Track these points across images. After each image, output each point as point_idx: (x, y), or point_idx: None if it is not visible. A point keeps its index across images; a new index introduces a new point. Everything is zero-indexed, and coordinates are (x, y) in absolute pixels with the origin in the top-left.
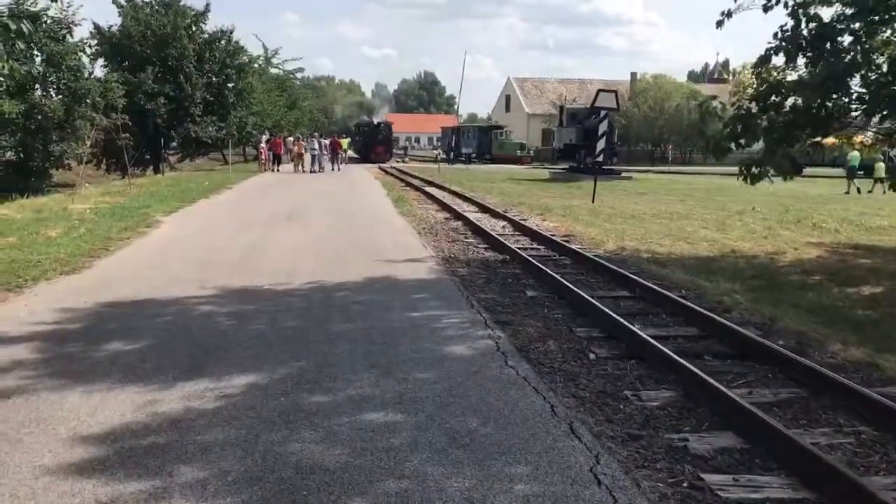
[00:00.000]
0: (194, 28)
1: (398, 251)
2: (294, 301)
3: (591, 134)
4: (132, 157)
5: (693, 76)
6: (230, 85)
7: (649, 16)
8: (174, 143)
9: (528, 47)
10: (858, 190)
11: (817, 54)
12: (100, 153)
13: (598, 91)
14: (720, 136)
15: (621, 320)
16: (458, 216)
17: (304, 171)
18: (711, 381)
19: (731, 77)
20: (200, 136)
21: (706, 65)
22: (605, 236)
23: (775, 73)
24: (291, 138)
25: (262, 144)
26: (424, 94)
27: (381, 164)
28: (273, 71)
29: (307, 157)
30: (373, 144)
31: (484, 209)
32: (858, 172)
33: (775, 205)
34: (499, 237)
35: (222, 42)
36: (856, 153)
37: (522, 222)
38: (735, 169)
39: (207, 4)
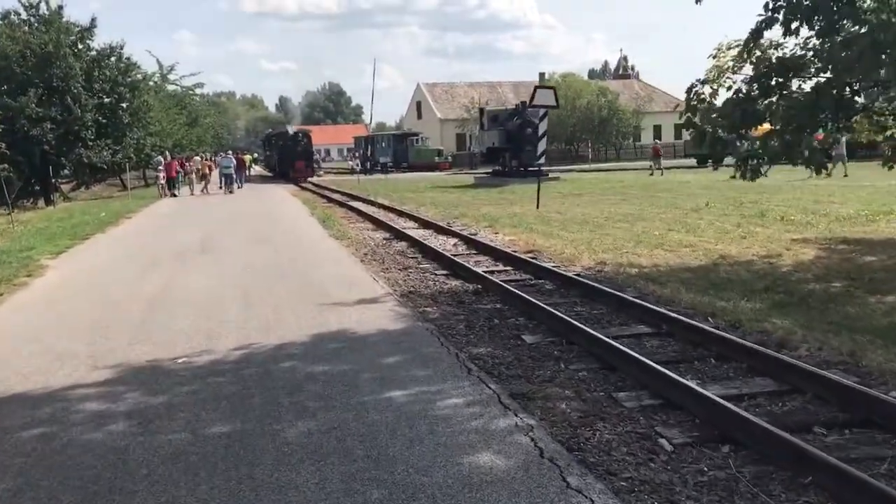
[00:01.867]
0: (80, 45)
1: (344, 288)
2: (221, 383)
3: (514, 136)
4: (14, 190)
5: (594, 75)
6: (124, 105)
7: (545, 18)
8: (66, 171)
9: (430, 54)
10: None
11: (826, 24)
12: None
13: (536, 88)
14: (717, 125)
15: (670, 375)
16: (398, 235)
17: (207, 193)
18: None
19: (632, 72)
20: (94, 161)
21: (605, 63)
22: (573, 249)
23: (772, 50)
24: (198, 157)
25: (161, 167)
26: (331, 106)
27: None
28: (170, 87)
29: (213, 177)
30: (290, 159)
31: (424, 224)
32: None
33: (722, 198)
34: (456, 259)
35: (112, 59)
36: None
37: (473, 237)
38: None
39: (94, 19)
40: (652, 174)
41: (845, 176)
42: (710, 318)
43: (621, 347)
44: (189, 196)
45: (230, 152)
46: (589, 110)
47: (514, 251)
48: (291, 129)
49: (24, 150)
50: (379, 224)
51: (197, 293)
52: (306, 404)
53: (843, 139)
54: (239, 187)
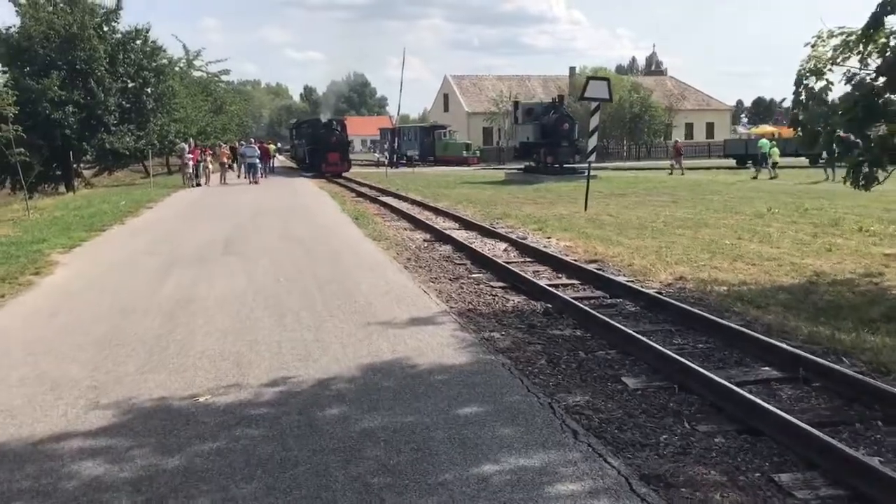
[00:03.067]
0: (105, 27)
1: (391, 302)
2: (254, 439)
3: (549, 131)
4: (33, 175)
5: (621, 71)
6: (148, 89)
7: (572, 14)
8: (88, 156)
9: (454, 47)
10: (771, 176)
11: None
12: (0, 171)
13: (588, 79)
14: (835, 124)
15: (849, 452)
16: (440, 237)
17: (225, 184)
18: None
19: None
20: (117, 147)
21: (633, 59)
22: (642, 259)
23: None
24: (225, 145)
25: (188, 154)
26: (355, 97)
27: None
28: (196, 74)
29: (234, 167)
30: (323, 150)
31: (466, 224)
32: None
33: (779, 203)
34: (511, 267)
35: (138, 42)
36: (765, 140)
37: (522, 241)
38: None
39: (119, 1)
40: (671, 173)
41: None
42: (843, 359)
43: (762, 404)
44: (212, 186)
45: (253, 141)
46: (621, 107)
47: (575, 260)
48: (325, 117)
49: (45, 134)
50: (416, 223)
51: (222, 304)
52: (369, 481)
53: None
54: (263, 177)
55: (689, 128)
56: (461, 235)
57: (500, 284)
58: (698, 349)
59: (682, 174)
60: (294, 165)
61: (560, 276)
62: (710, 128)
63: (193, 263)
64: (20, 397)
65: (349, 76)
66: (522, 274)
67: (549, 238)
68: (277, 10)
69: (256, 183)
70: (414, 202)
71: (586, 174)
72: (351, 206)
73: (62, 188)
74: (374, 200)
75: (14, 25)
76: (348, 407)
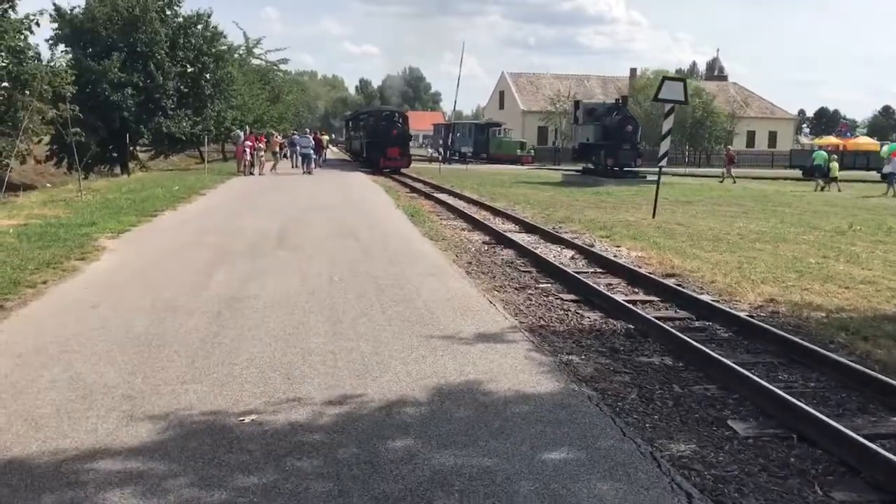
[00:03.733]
0: (167, 11)
1: (454, 313)
2: (307, 475)
3: (611, 133)
4: (88, 156)
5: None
6: (207, 75)
7: (632, 14)
8: (144, 140)
9: (509, 45)
10: (822, 188)
11: None
12: (59, 151)
13: (663, 79)
14: None
15: None
16: (501, 239)
17: (275, 173)
18: None
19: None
20: (173, 131)
21: (693, 63)
22: (724, 276)
23: None
24: (278, 135)
25: (244, 141)
26: (410, 91)
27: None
28: (255, 62)
29: (289, 157)
30: (382, 144)
31: (527, 227)
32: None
33: (855, 219)
34: (582, 278)
35: (199, 27)
36: (822, 152)
37: (590, 248)
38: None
39: None
40: (722, 181)
41: None
42: None
43: None
44: (264, 175)
45: (308, 131)
46: (683, 111)
47: (651, 273)
48: (386, 109)
49: (103, 116)
50: (474, 223)
51: (272, 305)
52: None
53: None
54: (318, 167)
55: (751, 136)
56: (523, 239)
57: (572, 297)
58: (810, 388)
59: (734, 182)
60: (348, 158)
61: (636, 290)
62: (772, 137)
63: (244, 257)
64: (48, 405)
65: (405, 70)
66: (595, 286)
67: (618, 247)
68: (338, 4)
69: (310, 173)
70: (470, 200)
71: (653, 179)
72: (405, 201)
73: (118, 170)
74: (428, 197)
75: (78, 6)
76: (414, 441)
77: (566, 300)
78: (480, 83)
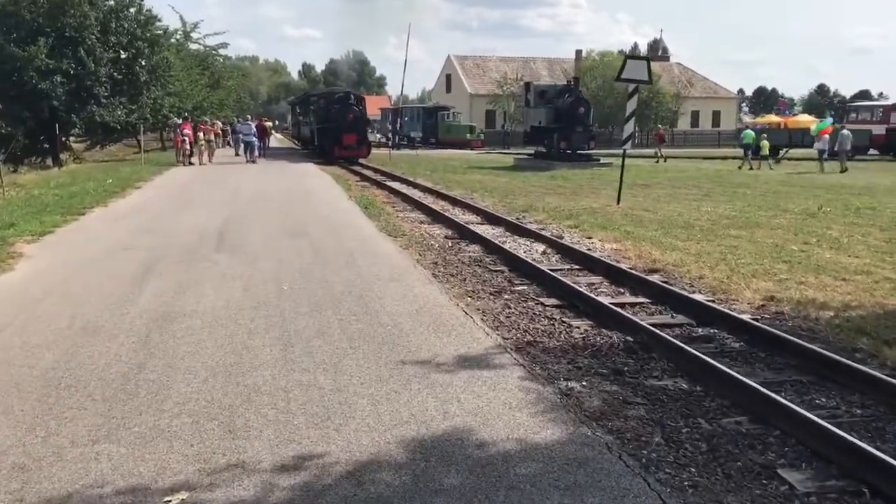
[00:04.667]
0: None
1: (427, 328)
2: None
3: (564, 115)
4: (12, 148)
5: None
6: (142, 61)
7: None
8: (77, 130)
9: (452, 28)
10: (751, 167)
11: None
12: None
13: (626, 58)
14: None
15: None
16: (464, 233)
17: (211, 162)
18: None
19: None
20: (107, 120)
21: (635, 44)
22: (710, 270)
23: None
24: (219, 122)
25: (182, 130)
26: (354, 75)
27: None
28: (193, 47)
29: (233, 144)
30: (337, 130)
31: (489, 217)
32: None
33: (820, 199)
34: (560, 278)
35: (131, 10)
36: (749, 131)
37: (560, 241)
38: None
39: None
40: (657, 161)
41: (843, 171)
42: None
43: None
44: (205, 165)
45: (250, 118)
46: (628, 92)
47: (632, 269)
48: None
49: (31, 105)
50: (433, 215)
51: (211, 323)
52: None
53: (848, 133)
54: (262, 156)
55: (696, 116)
56: (488, 232)
57: (554, 302)
58: (858, 416)
59: (664, 161)
60: (296, 146)
61: (622, 290)
62: (716, 116)
63: (180, 262)
64: None
65: (348, 54)
66: (577, 288)
67: (590, 238)
68: None
69: (254, 162)
70: (425, 189)
71: (607, 162)
72: (357, 191)
73: (50, 162)
74: (380, 186)
75: None
76: None
77: (548, 306)
78: (425, 67)
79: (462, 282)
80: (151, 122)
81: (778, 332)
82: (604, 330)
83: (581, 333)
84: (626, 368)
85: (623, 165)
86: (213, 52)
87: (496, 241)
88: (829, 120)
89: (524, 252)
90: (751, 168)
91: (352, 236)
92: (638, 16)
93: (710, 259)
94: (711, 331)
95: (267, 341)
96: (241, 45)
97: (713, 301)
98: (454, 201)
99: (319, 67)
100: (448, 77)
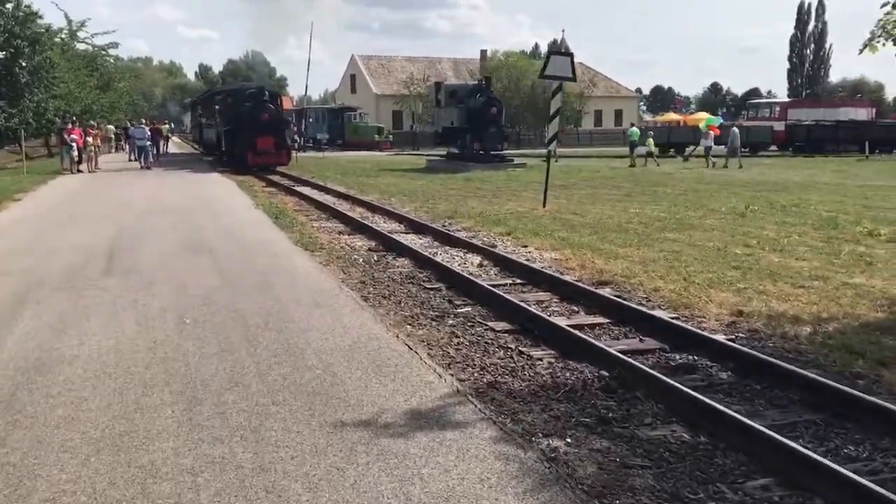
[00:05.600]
0: None
1: (364, 371)
2: None
3: (476, 115)
4: None
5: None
6: (22, 61)
7: None
8: None
9: (353, 29)
10: (632, 163)
11: None
12: None
13: (548, 54)
14: None
15: None
16: (389, 244)
17: (98, 170)
18: None
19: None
20: None
21: (536, 45)
22: (664, 281)
23: None
24: (111, 126)
25: (73, 135)
26: (254, 76)
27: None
28: (80, 46)
29: (127, 150)
30: (250, 132)
31: (412, 225)
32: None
33: (739, 197)
34: (506, 297)
35: (8, 6)
36: (635, 129)
37: (493, 250)
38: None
39: None
40: (551, 160)
41: (739, 167)
42: None
43: None
44: (95, 172)
45: (144, 121)
46: (534, 92)
47: (578, 280)
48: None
49: None
50: (352, 224)
51: (95, 375)
52: None
53: (737, 131)
54: (154, 161)
55: (599, 115)
56: (415, 242)
57: (504, 326)
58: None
59: (556, 161)
60: (197, 151)
61: (575, 308)
62: (618, 115)
63: (61, 290)
64: None
65: (247, 54)
66: (526, 308)
67: (525, 247)
68: None
69: (148, 168)
70: (338, 194)
71: (520, 163)
72: (264, 198)
73: None
74: (289, 192)
75: None
76: None
77: (499, 332)
78: (326, 68)
79: (397, 305)
80: (35, 126)
81: (765, 357)
82: (570, 362)
83: (546, 368)
84: (610, 415)
85: (549, 167)
86: (103, 52)
87: (426, 254)
88: (719, 119)
89: (459, 265)
90: (632, 165)
91: (263, 252)
92: (536, 17)
93: (657, 267)
94: (690, 358)
95: (167, 397)
96: (135, 46)
97: (678, 318)
98: (372, 207)
99: (217, 68)
100: (353, 77)
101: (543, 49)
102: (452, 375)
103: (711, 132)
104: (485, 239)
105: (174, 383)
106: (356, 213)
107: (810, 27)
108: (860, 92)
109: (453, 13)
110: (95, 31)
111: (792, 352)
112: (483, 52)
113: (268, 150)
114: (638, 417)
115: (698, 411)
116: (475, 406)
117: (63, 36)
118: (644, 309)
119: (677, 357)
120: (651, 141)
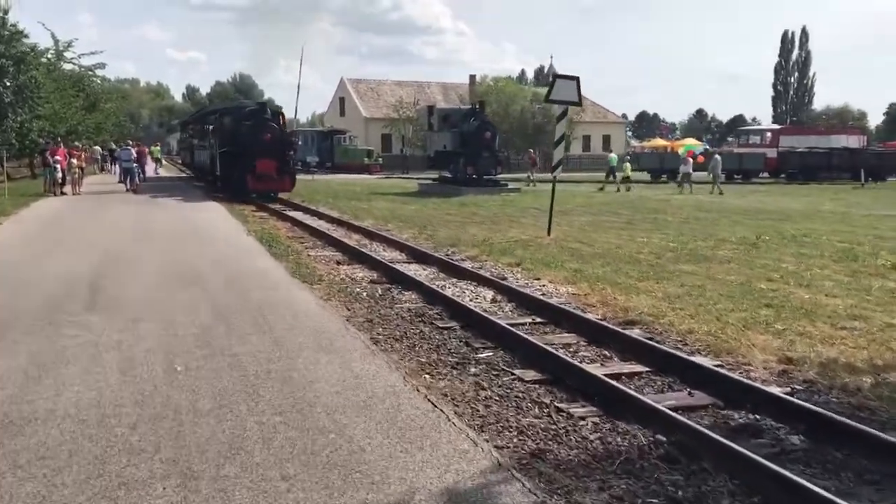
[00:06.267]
0: None
1: (385, 436)
2: None
3: (469, 139)
4: None
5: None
6: (6, 81)
7: (458, 25)
8: None
9: (342, 53)
10: (602, 187)
11: None
12: None
13: (554, 77)
14: None
15: None
16: (393, 276)
17: (81, 193)
18: None
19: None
20: None
21: (522, 71)
22: (695, 321)
23: None
24: (97, 147)
25: (58, 156)
26: (242, 98)
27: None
28: (67, 66)
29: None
30: (252, 156)
31: (414, 254)
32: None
33: (742, 226)
34: (527, 337)
35: None
36: (613, 155)
37: (504, 282)
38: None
39: None
40: (529, 185)
41: (720, 194)
42: None
43: None
44: (79, 195)
45: (131, 143)
46: (523, 117)
47: (602, 319)
48: (251, 105)
49: None
50: (350, 253)
51: (72, 440)
52: None
53: (719, 158)
54: (140, 182)
55: (587, 140)
56: (420, 274)
57: (533, 375)
58: None
59: (534, 186)
60: (188, 174)
61: (606, 353)
62: (606, 140)
63: (37, 329)
64: None
65: (235, 77)
66: (556, 354)
67: (538, 279)
68: (157, 8)
69: (135, 191)
70: (332, 220)
71: (514, 188)
72: (256, 224)
73: None
74: (281, 216)
75: None
76: None
77: (528, 382)
78: (315, 91)
79: (411, 349)
80: (18, 147)
81: (840, 418)
82: (619, 423)
83: (592, 431)
84: (680, 493)
85: (553, 193)
86: (90, 72)
87: (434, 287)
88: (704, 145)
89: (471, 301)
90: (601, 189)
91: (258, 284)
92: (521, 44)
93: (684, 304)
94: (752, 417)
95: (157, 468)
96: (123, 67)
97: (722, 366)
98: (369, 234)
99: (205, 90)
100: (342, 100)
101: (530, 75)
102: (488, 441)
103: (689, 158)
104: (493, 270)
105: (165, 449)
106: (353, 240)
107: (794, 55)
108: (844, 120)
109: (439, 39)
110: (83, 52)
111: (862, 409)
112: (472, 77)
113: (269, 175)
114: (713, 497)
115: (781, 488)
116: (522, 485)
117: (49, 56)
118: (684, 355)
119: (735, 416)
120: (628, 166)
